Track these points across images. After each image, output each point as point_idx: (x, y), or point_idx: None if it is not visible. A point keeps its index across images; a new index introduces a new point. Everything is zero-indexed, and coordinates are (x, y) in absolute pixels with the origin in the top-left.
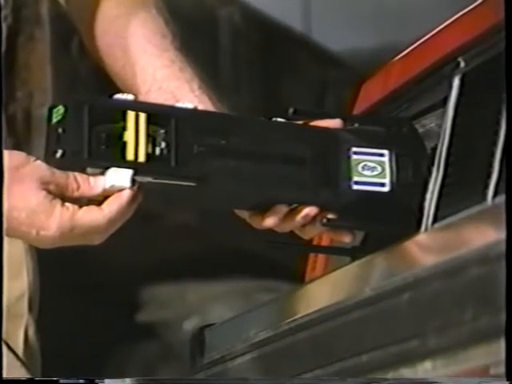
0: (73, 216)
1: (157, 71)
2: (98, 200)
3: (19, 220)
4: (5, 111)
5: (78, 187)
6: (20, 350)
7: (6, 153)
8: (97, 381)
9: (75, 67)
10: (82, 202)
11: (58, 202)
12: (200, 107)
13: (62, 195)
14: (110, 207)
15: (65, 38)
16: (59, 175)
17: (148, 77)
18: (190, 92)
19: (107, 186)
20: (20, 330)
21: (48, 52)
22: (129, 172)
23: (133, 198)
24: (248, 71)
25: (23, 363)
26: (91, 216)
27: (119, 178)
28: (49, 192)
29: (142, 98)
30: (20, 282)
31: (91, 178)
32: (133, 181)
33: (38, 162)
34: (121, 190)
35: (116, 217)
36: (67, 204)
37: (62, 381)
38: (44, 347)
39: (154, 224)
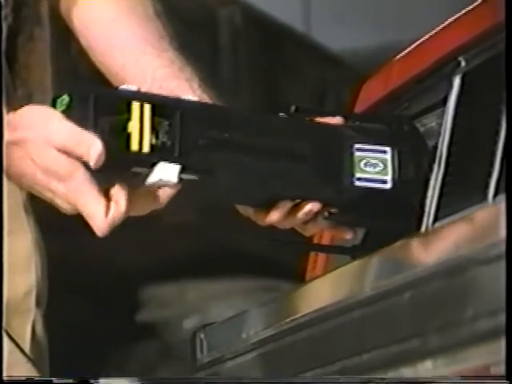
0: None
1: (156, 71)
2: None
3: None
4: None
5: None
6: (27, 345)
7: None
8: (91, 380)
9: (75, 67)
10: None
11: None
12: None
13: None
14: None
15: (65, 38)
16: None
17: (148, 77)
18: (191, 91)
19: (155, 179)
20: (28, 325)
21: (48, 52)
22: (176, 167)
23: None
24: (248, 71)
25: (29, 359)
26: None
27: (167, 172)
28: None
29: None
30: (28, 278)
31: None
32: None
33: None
34: (166, 185)
35: None
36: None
37: (55, 380)
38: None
39: (153, 223)
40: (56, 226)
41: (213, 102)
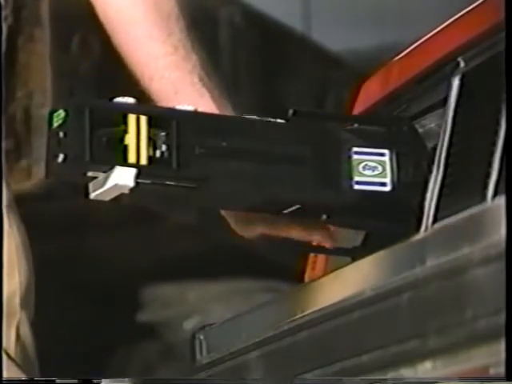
0: None
1: (159, 60)
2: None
3: None
4: (5, 111)
5: None
6: (12, 348)
7: None
8: (95, 381)
9: (75, 67)
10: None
11: None
12: (199, 101)
13: None
14: None
15: (65, 38)
16: None
17: (151, 64)
18: (191, 85)
19: (111, 184)
20: (12, 328)
21: (48, 52)
22: (132, 171)
23: None
24: (248, 71)
25: (13, 361)
26: None
27: (123, 177)
28: None
29: (145, 86)
30: (13, 280)
31: None
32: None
33: None
34: (123, 189)
35: None
36: None
37: (58, 381)
38: (43, 348)
39: (154, 224)
40: (57, 225)
41: (207, 103)
